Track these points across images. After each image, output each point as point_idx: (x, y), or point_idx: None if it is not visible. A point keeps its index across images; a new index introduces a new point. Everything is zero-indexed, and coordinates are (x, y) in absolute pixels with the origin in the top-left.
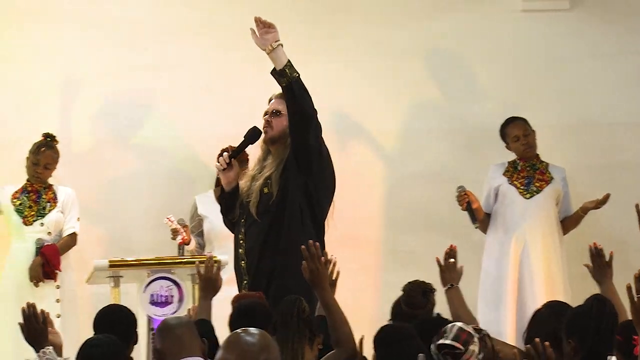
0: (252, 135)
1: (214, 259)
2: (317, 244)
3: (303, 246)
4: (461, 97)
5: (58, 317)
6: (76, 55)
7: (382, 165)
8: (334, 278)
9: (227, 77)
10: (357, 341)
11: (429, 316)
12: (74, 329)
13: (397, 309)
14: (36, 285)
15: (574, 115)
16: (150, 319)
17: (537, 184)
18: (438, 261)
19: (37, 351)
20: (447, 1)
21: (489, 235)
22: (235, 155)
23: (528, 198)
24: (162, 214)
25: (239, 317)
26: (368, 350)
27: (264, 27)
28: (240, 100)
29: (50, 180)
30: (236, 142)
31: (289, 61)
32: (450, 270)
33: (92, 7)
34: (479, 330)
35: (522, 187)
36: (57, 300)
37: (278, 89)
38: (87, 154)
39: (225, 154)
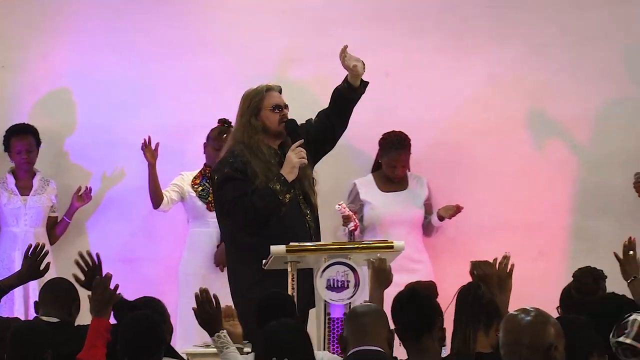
0: (294, 127)
1: (389, 244)
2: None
3: None
4: None
5: None
6: (255, 42)
7: (571, 150)
8: (507, 271)
9: (406, 63)
10: None
11: (599, 303)
12: None
13: (567, 295)
14: (222, 269)
15: None
16: (326, 304)
17: None
18: (616, 255)
19: (211, 335)
20: None
21: None
22: None
23: None
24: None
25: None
26: None
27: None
28: (423, 86)
29: None
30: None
31: None
32: (630, 263)
33: None
34: None
35: None
36: None
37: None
38: None
39: (298, 148)
